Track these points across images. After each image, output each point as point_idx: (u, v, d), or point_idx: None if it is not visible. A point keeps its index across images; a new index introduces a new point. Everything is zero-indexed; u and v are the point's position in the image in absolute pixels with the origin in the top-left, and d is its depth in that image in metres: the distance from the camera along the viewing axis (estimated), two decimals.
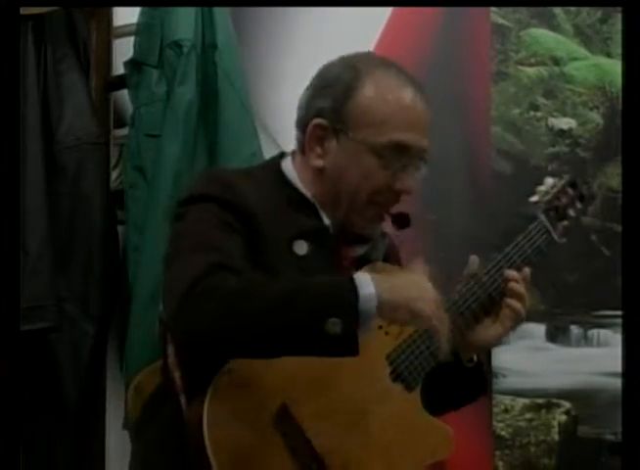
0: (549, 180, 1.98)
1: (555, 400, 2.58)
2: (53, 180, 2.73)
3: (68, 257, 2.75)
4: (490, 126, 2.65)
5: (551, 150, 2.66)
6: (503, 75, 2.68)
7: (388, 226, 1.81)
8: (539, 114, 2.62)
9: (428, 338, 1.71)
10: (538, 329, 2.61)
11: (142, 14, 2.80)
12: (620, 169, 2.47)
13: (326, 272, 1.65)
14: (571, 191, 1.97)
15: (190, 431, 1.54)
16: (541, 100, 2.66)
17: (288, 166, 1.78)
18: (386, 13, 2.76)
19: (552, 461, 2.57)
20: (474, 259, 1.83)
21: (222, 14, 2.76)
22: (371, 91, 1.71)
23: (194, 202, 1.66)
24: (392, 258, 1.88)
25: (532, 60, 2.68)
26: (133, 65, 2.80)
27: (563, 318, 2.60)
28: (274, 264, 1.64)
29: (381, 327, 1.66)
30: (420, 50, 2.73)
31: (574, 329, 2.59)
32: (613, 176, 2.59)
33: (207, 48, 2.74)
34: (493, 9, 2.68)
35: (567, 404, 2.57)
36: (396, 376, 1.71)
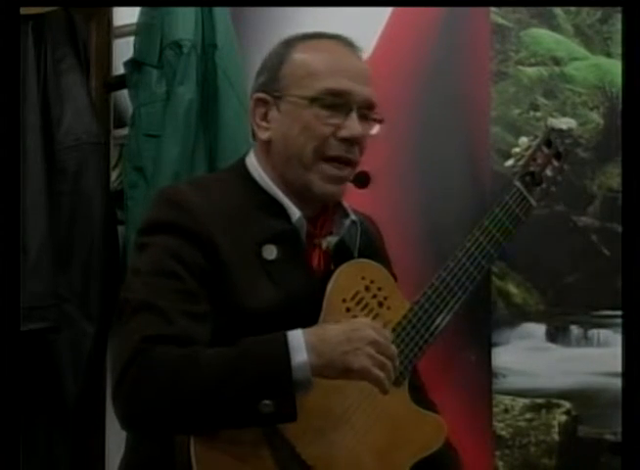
0: (523, 140, 1.94)
1: (555, 400, 2.57)
2: (53, 180, 2.74)
3: (68, 256, 2.75)
4: (490, 126, 2.64)
5: None
6: (503, 75, 2.68)
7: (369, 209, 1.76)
8: (539, 114, 2.61)
9: (412, 329, 1.70)
10: (538, 329, 2.61)
11: (142, 14, 2.80)
12: (620, 169, 2.46)
13: (296, 275, 1.65)
14: (546, 150, 1.93)
15: (176, 447, 1.53)
16: (541, 100, 2.65)
17: (251, 161, 1.76)
18: (385, 13, 2.76)
19: (552, 461, 2.57)
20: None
21: (222, 14, 2.76)
22: (301, 52, 1.72)
23: (149, 232, 1.66)
24: (374, 247, 1.85)
25: (532, 60, 2.68)
26: (133, 65, 2.80)
27: (563, 318, 2.60)
28: (243, 273, 1.63)
29: None
30: (420, 50, 2.73)
31: (574, 329, 2.59)
32: (613, 176, 2.58)
33: (207, 48, 2.75)
34: (493, 9, 2.67)
35: (567, 404, 2.57)
36: None
